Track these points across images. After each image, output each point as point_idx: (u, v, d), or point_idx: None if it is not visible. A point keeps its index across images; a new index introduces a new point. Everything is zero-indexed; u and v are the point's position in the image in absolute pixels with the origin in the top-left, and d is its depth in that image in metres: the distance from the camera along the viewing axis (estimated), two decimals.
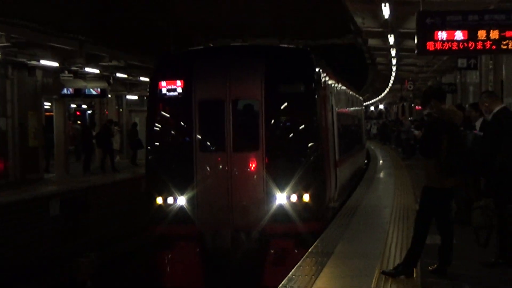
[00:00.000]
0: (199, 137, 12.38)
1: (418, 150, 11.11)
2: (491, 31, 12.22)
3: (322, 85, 13.04)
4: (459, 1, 19.60)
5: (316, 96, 12.51)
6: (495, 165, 9.72)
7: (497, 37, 12.22)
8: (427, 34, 12.36)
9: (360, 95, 32.96)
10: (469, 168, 9.84)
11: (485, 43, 12.25)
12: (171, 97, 12.70)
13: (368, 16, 25.98)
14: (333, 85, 15.58)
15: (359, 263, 10.04)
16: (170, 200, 12.25)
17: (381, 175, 24.86)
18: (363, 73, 52.64)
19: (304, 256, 10.56)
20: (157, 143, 13.28)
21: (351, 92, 23.46)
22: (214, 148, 12.59)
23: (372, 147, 39.90)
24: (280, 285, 8.58)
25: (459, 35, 12.28)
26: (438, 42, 12.40)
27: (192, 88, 12.48)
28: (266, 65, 12.46)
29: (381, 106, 78.71)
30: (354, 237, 12.10)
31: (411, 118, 46.30)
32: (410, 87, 46.12)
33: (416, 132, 13.80)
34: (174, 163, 12.80)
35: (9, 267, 17.35)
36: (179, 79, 12.54)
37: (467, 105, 16.78)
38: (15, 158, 23.29)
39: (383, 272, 9.14)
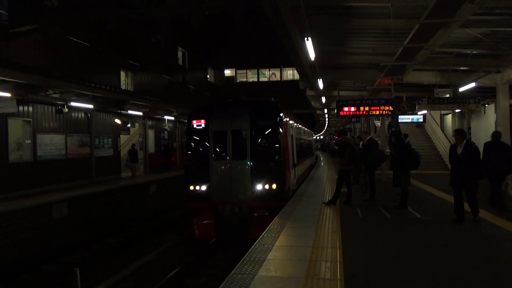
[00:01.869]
0: (213, 151, 9.94)
1: (337, 155, 10.93)
2: (366, 107, 12.06)
3: (284, 122, 10.41)
4: (351, 95, 19.54)
5: (279, 128, 9.96)
6: (367, 160, 9.66)
7: (368, 109, 12.06)
8: (340, 108, 12.22)
9: (312, 131, 32.25)
10: (357, 161, 9.79)
11: (363, 112, 12.08)
12: (198, 129, 10.16)
13: (316, 101, 25.87)
14: (292, 123, 12.62)
15: (314, 198, 9.93)
16: (197, 187, 9.86)
17: (322, 164, 24.58)
18: (314, 123, 52.41)
19: (292, 197, 10.14)
20: (190, 155, 10.37)
21: (306, 129, 19.89)
22: (221, 157, 9.88)
23: (319, 153, 39.32)
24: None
25: (352, 109, 12.12)
26: (345, 112, 12.23)
27: (210, 124, 10.07)
28: (251, 110, 10.03)
29: (322, 137, 77.56)
30: (313, 188, 12.00)
31: (334, 141, 45.72)
32: (333, 129, 45.46)
33: (336, 147, 13.55)
34: (199, 166, 10.03)
35: (166, 205, 16.82)
36: (202, 119, 10.17)
37: (356, 136, 16.52)
38: (178, 157, 23.16)
39: (324, 203, 9.03)
